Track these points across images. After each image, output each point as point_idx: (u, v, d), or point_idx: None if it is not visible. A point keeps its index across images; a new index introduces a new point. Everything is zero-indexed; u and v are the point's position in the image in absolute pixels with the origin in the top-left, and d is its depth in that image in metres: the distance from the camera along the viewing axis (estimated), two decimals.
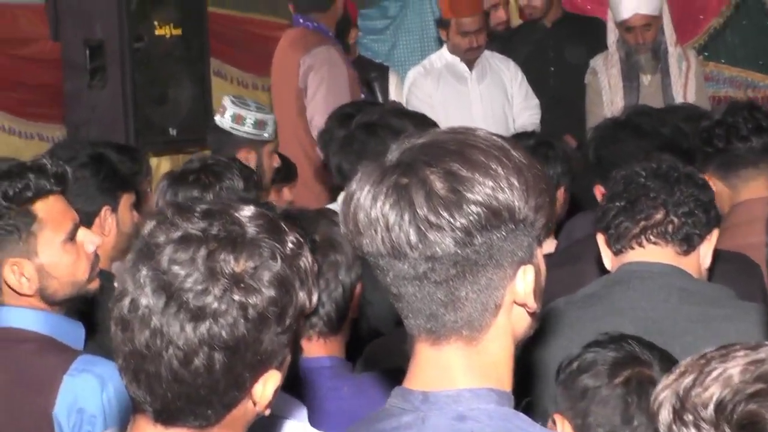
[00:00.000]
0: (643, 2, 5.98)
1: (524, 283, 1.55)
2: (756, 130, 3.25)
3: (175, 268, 1.46)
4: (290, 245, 1.51)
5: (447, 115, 5.95)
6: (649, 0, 6.00)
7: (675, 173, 2.54)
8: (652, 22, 6.00)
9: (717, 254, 2.62)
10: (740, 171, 3.24)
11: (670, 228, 2.50)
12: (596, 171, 3.27)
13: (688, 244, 2.52)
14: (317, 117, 5.24)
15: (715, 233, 2.57)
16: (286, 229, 1.53)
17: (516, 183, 1.51)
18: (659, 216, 2.50)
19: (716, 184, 3.17)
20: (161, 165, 5.90)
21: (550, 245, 3.27)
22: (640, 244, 2.53)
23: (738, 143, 3.25)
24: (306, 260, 1.53)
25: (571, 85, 6.23)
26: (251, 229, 1.50)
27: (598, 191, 3.12)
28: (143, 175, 3.73)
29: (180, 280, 1.46)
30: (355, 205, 1.53)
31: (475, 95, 6.08)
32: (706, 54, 7.09)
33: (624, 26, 6.02)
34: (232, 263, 1.47)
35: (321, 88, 5.31)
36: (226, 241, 1.48)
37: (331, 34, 5.58)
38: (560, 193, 3.52)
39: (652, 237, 2.51)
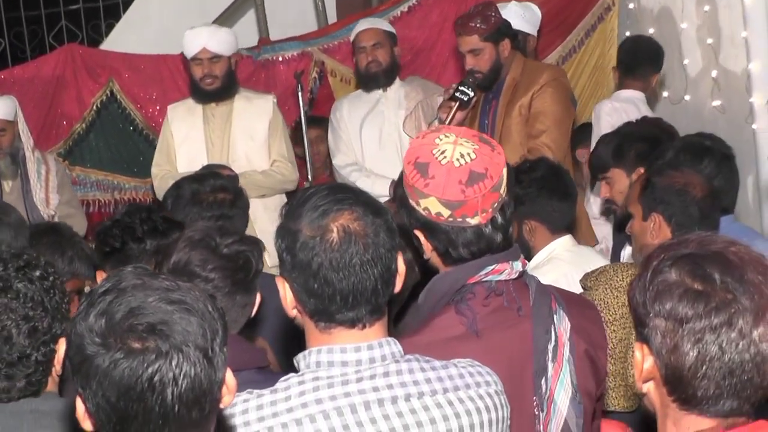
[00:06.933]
0: None
1: None
2: (151, 232, 3.37)
3: None
4: None
5: None
6: (1, 106, 5.98)
7: None
8: (7, 127, 6.01)
9: None
10: None
11: None
12: None
13: None
14: None
15: None
16: None
17: None
18: None
19: None
20: None
21: None
22: None
23: (132, 244, 3.36)
24: None
25: None
26: None
27: None
28: None
29: None
30: None
31: None
32: (72, 159, 7.08)
33: None
34: None
35: None
36: None
37: None
38: None
39: None
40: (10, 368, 2.31)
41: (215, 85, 6.11)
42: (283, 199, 6.21)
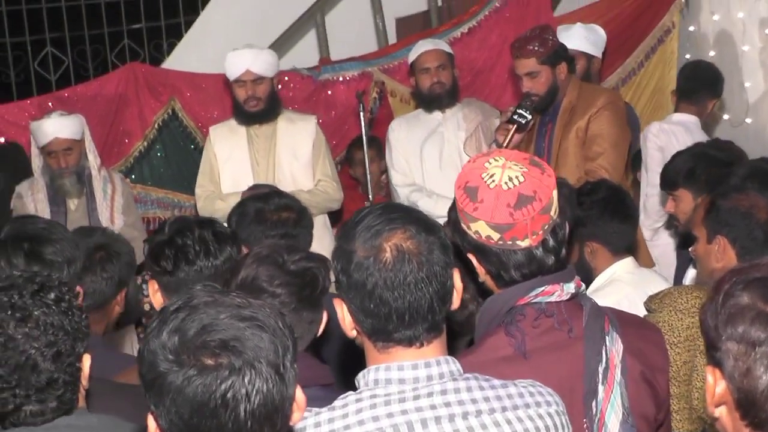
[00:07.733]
0: (62, 126, 5.98)
1: None
2: (205, 254, 3.20)
3: None
4: None
5: None
6: (68, 124, 6.02)
7: None
8: (74, 146, 6.02)
9: None
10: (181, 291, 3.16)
11: None
12: None
13: None
14: None
15: None
16: None
17: None
18: None
19: None
20: None
21: None
22: None
23: (185, 266, 3.19)
24: None
25: None
26: None
27: None
28: None
29: None
30: None
31: None
32: (133, 177, 7.12)
33: (46, 151, 6.00)
34: None
35: None
36: None
37: None
38: None
39: None
40: (41, 393, 2.33)
41: (259, 107, 6.12)
42: (326, 219, 6.24)
